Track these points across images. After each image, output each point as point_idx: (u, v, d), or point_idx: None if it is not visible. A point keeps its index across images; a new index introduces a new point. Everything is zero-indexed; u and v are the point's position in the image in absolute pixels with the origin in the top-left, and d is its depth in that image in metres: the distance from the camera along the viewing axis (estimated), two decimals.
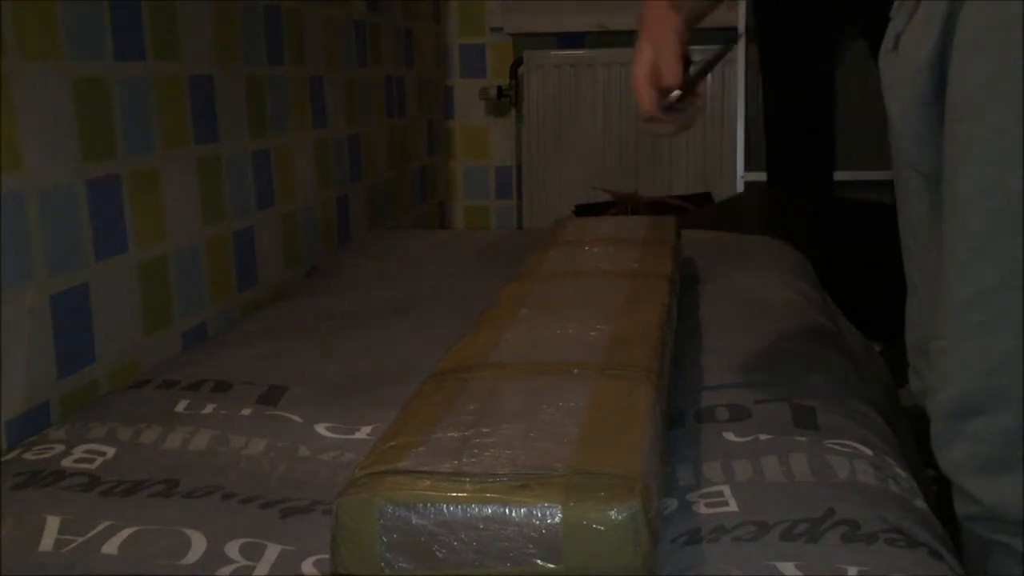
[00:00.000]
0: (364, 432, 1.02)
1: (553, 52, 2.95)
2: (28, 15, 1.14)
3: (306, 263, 1.92)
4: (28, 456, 0.98)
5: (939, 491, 1.19)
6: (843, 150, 2.66)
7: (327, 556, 0.71)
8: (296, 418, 1.06)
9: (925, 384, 1.05)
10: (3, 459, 0.99)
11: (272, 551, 0.79)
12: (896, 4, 0.98)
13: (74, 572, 0.77)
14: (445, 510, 0.66)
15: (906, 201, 1.04)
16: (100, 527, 0.82)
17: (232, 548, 0.80)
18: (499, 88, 3.01)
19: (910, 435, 1.34)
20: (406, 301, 1.53)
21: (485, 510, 0.66)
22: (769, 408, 1.02)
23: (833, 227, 2.39)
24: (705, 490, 0.85)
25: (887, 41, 0.98)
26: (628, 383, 0.86)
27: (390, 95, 2.46)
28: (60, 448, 0.99)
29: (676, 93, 0.99)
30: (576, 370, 0.89)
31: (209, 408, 1.08)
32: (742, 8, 2.67)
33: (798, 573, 0.72)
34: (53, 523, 0.83)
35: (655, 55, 1.00)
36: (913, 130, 0.93)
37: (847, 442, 0.94)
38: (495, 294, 1.20)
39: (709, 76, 1.06)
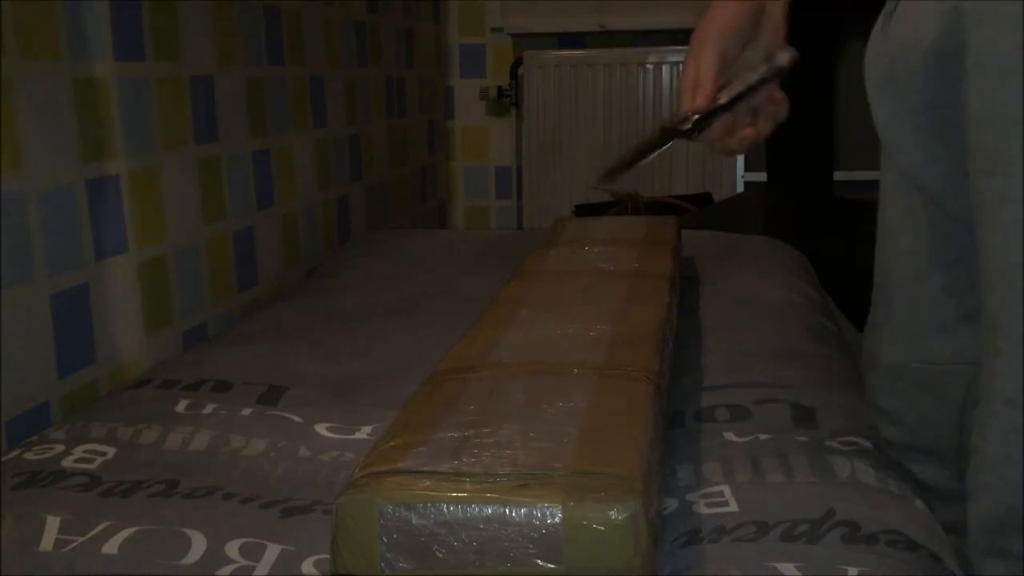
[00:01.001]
0: (364, 432, 1.02)
1: (553, 52, 2.95)
2: (28, 15, 1.14)
3: (306, 263, 1.92)
4: (28, 456, 0.98)
5: None
6: (843, 150, 2.66)
7: (327, 556, 0.71)
8: (296, 418, 1.06)
9: (881, 408, 1.05)
10: (3, 459, 0.99)
11: (272, 551, 0.79)
12: None
13: (74, 572, 0.77)
14: (445, 510, 0.66)
15: (887, 199, 1.01)
16: (100, 527, 0.82)
17: (232, 548, 0.80)
18: (499, 88, 3.01)
19: None
20: (406, 301, 1.53)
21: (485, 510, 0.66)
22: (769, 408, 1.02)
23: (833, 227, 2.39)
24: (705, 490, 0.85)
25: (878, 22, 0.94)
26: (628, 383, 0.86)
27: (390, 95, 2.46)
28: (60, 448, 0.99)
29: (691, 117, 0.79)
30: (576, 370, 0.89)
31: (209, 408, 1.08)
32: None
33: (798, 574, 0.72)
34: (53, 523, 0.83)
35: (694, 60, 0.83)
36: (903, 135, 0.91)
37: (847, 442, 0.94)
38: (495, 294, 1.20)
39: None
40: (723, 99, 0.82)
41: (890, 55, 0.91)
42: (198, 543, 0.80)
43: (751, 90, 0.83)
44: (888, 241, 1.03)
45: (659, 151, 0.81)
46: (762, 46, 0.85)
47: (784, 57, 0.83)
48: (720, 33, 0.81)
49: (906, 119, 0.89)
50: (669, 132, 0.81)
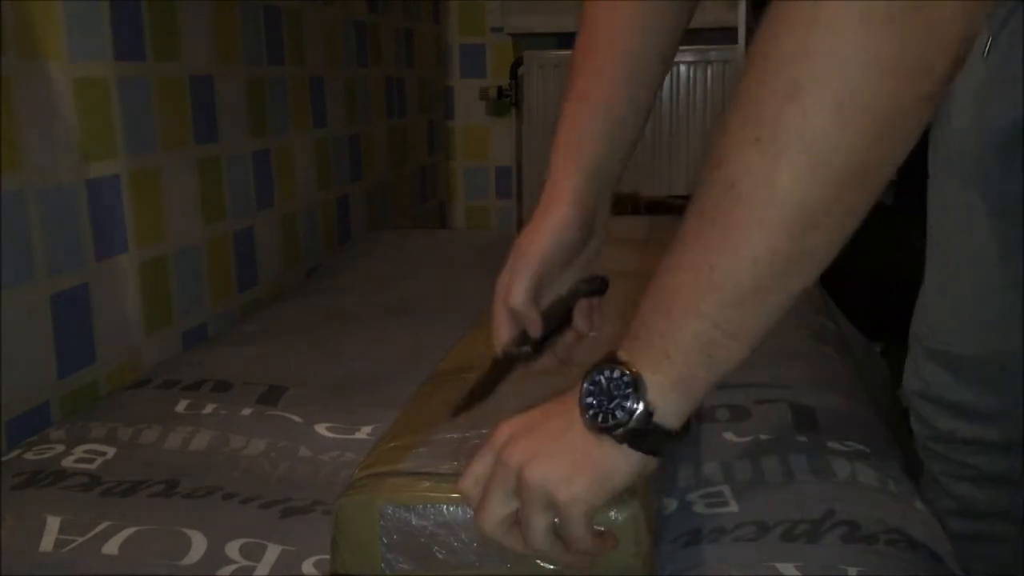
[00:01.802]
0: (364, 432, 1.02)
1: (553, 52, 2.95)
2: (28, 15, 1.14)
3: (306, 263, 1.92)
4: (28, 456, 0.98)
5: None
6: None
7: (327, 556, 0.71)
8: (296, 418, 1.06)
9: (929, 388, 1.05)
10: (3, 459, 0.99)
11: (272, 551, 0.79)
12: None
13: (74, 572, 0.77)
14: (445, 511, 0.66)
15: (943, 209, 1.02)
16: (100, 527, 0.83)
17: (232, 548, 0.80)
18: (499, 88, 3.00)
19: (910, 435, 1.34)
20: (406, 301, 1.53)
21: None
22: (769, 408, 1.02)
23: None
24: (705, 490, 0.85)
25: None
26: None
27: (390, 95, 2.45)
28: (60, 448, 0.99)
29: (524, 349, 0.75)
30: (577, 371, 0.89)
31: (209, 408, 1.08)
32: (742, 8, 2.66)
33: (798, 574, 0.72)
34: (53, 523, 0.83)
35: (514, 285, 0.77)
36: (997, 146, 0.90)
37: (847, 442, 0.94)
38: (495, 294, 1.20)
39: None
40: (553, 324, 0.78)
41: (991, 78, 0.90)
42: (198, 543, 0.80)
43: (572, 305, 0.79)
44: (952, 236, 1.02)
45: (501, 379, 0.76)
46: (589, 254, 0.80)
47: (593, 285, 0.78)
48: (540, 257, 0.76)
49: (1006, 140, 0.89)
50: (507, 360, 0.77)
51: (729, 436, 0.96)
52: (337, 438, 1.02)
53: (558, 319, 0.78)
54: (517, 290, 0.76)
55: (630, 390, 0.58)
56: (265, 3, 1.74)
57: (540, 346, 0.76)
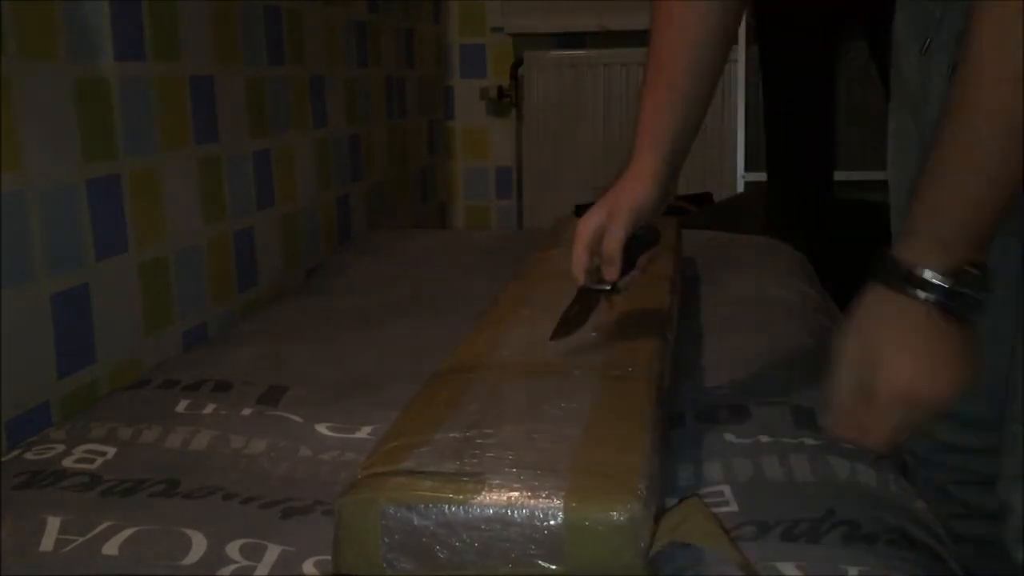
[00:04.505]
0: (364, 432, 1.02)
1: (553, 52, 2.95)
2: (28, 15, 1.14)
3: (306, 263, 1.92)
4: (28, 456, 0.98)
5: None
6: (843, 150, 2.66)
7: (328, 557, 0.71)
8: (296, 418, 1.06)
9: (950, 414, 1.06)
10: (3, 459, 0.99)
11: (273, 552, 0.79)
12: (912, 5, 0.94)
13: (74, 572, 0.77)
14: (447, 511, 0.66)
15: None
16: (101, 527, 0.82)
17: (232, 548, 0.80)
18: (499, 88, 3.00)
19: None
20: (406, 301, 1.53)
21: (487, 511, 0.66)
22: (770, 409, 1.02)
23: (833, 227, 2.38)
24: (705, 490, 0.85)
25: (912, 44, 0.95)
26: (629, 384, 0.86)
27: (390, 95, 2.45)
28: (60, 448, 0.99)
29: (605, 287, 0.92)
30: (577, 371, 0.89)
31: (209, 408, 1.08)
32: None
33: (798, 573, 0.72)
34: (53, 523, 0.83)
35: (605, 224, 0.92)
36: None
37: (847, 442, 0.94)
38: (495, 294, 1.20)
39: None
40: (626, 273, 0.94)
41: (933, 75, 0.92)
42: (198, 543, 0.80)
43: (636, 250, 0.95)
44: None
45: (592, 311, 0.94)
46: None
47: (651, 233, 0.95)
48: (632, 212, 0.91)
49: None
50: (591, 292, 0.94)
51: (729, 437, 0.96)
52: (337, 438, 1.02)
53: (625, 262, 0.93)
54: (615, 239, 0.90)
55: (978, 283, 0.69)
56: (265, 3, 1.74)
57: (615, 284, 0.93)
